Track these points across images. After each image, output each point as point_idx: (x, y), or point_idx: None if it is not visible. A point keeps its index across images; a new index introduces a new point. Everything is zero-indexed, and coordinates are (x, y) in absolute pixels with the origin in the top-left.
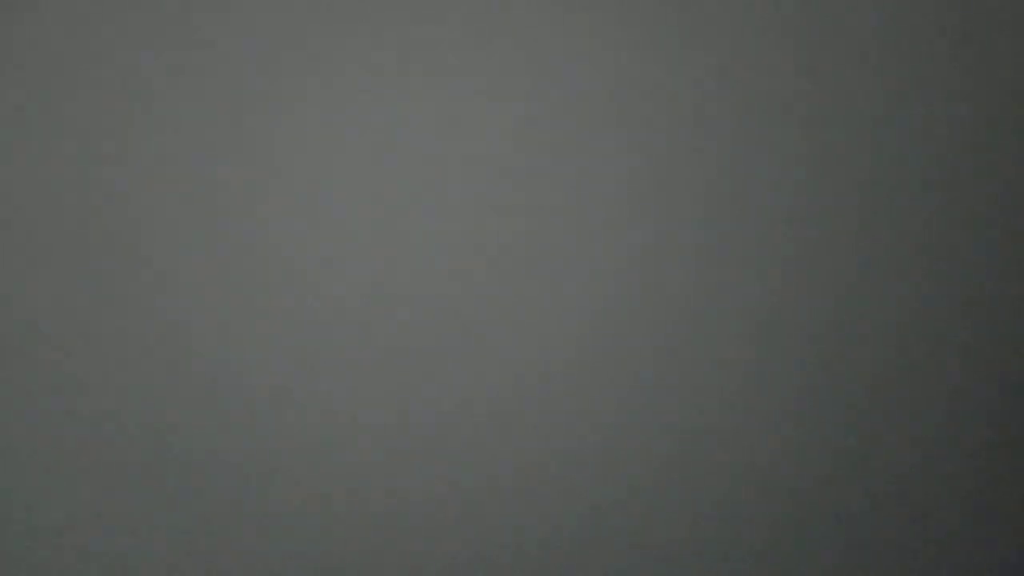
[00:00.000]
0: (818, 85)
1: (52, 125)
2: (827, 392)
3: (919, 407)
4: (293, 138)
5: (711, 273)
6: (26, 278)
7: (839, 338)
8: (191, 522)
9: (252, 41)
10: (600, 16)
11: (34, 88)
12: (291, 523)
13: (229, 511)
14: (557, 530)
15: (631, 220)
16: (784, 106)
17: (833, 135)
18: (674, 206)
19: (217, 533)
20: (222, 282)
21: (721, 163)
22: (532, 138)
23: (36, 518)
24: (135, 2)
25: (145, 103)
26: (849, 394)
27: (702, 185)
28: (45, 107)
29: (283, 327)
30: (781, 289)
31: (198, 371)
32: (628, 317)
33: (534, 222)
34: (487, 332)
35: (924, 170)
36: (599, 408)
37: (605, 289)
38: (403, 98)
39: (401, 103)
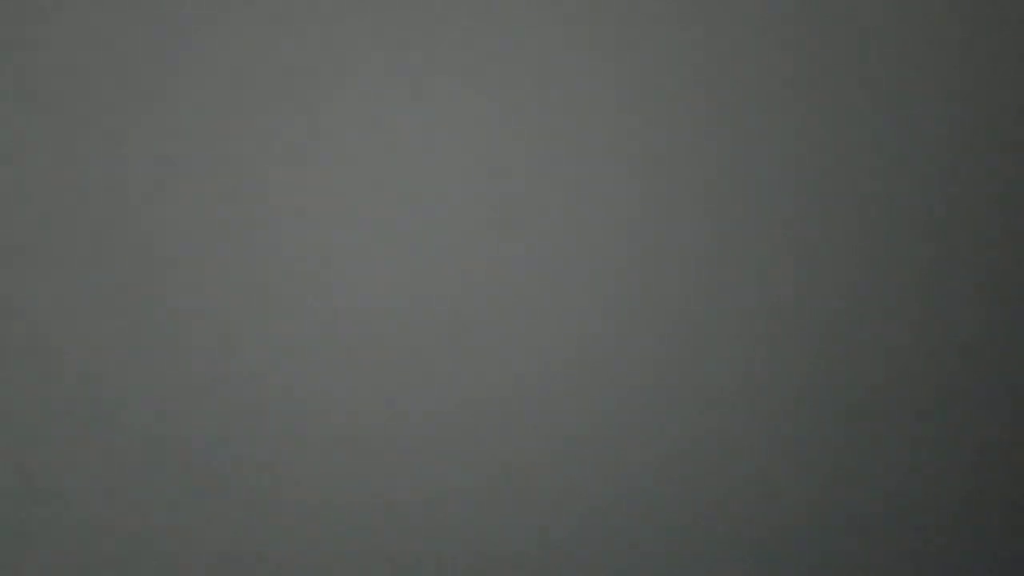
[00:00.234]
0: (818, 85)
1: (59, 125)
2: (827, 392)
3: (919, 407)
4: (299, 140)
5: (711, 273)
6: (34, 276)
7: (839, 338)
8: (195, 519)
9: (263, 45)
10: (600, 17)
11: (43, 87)
12: (292, 522)
13: (233, 509)
14: (557, 530)
15: (631, 220)
16: (784, 106)
17: (833, 135)
18: (674, 206)
19: (221, 531)
20: (224, 282)
21: (721, 163)
22: (533, 139)
23: (40, 516)
24: (144, 5)
25: (154, 103)
26: (849, 394)
27: (702, 185)
28: (54, 107)
29: (285, 326)
30: (781, 289)
31: (198, 371)
32: (629, 317)
33: (535, 223)
34: (488, 332)
35: (924, 170)
36: (599, 408)
37: (606, 289)
38: (405, 99)
39: (402, 104)
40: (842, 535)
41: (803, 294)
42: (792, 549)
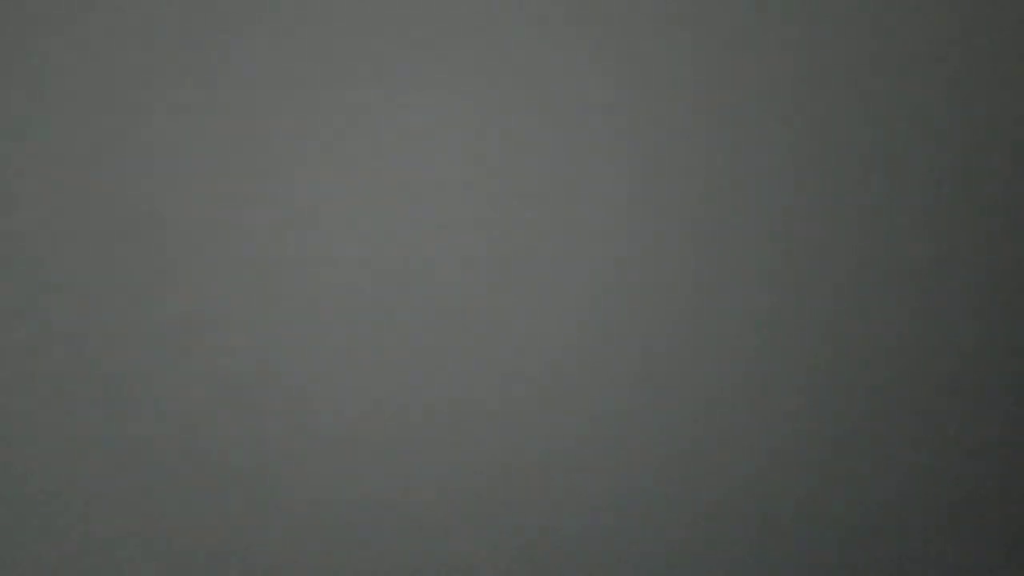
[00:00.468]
0: (818, 86)
1: (68, 126)
2: (827, 392)
3: (918, 408)
4: (299, 141)
5: (711, 273)
6: (36, 276)
7: (839, 338)
8: (195, 519)
9: (269, 49)
10: (600, 17)
11: (50, 88)
12: (292, 522)
13: (232, 508)
14: (557, 530)
15: (630, 219)
16: (783, 107)
17: (833, 135)
18: (674, 206)
19: (221, 530)
20: (223, 282)
21: (721, 163)
22: (532, 139)
23: (46, 515)
24: (154, 10)
25: (159, 105)
26: (849, 394)
27: (702, 185)
28: (61, 108)
29: (285, 326)
30: (780, 289)
31: (199, 370)
32: (628, 317)
33: (535, 222)
34: (487, 332)
35: (924, 170)
36: (599, 408)
37: (605, 289)
38: (404, 101)
39: (403, 105)
40: (842, 535)
41: (802, 295)
42: (792, 549)
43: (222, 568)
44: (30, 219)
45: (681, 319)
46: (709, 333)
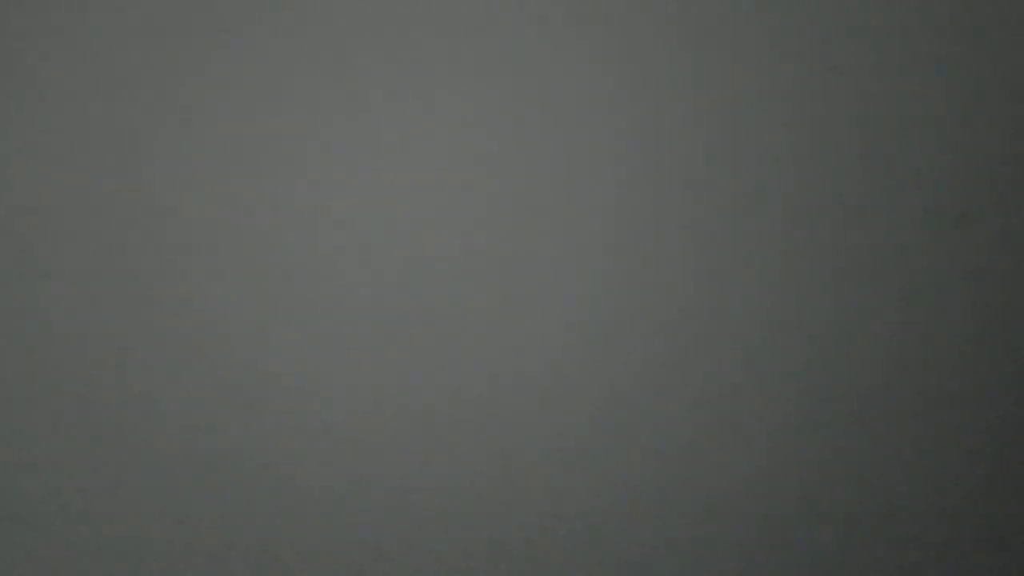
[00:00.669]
0: (818, 86)
1: (68, 126)
2: (827, 392)
3: (918, 408)
4: (300, 142)
5: (711, 273)
6: (38, 276)
7: (839, 338)
8: (195, 518)
9: (270, 49)
10: (600, 17)
11: (53, 89)
12: (291, 521)
13: (232, 507)
14: (557, 529)
15: (630, 220)
16: (783, 107)
17: (833, 135)
18: (674, 206)
19: (221, 529)
20: (224, 282)
21: (722, 162)
22: (533, 139)
23: (46, 515)
24: (154, 10)
25: (163, 106)
26: (848, 394)
27: (701, 186)
28: (65, 108)
29: (285, 326)
30: (780, 290)
31: (199, 370)
32: (627, 316)
33: (535, 223)
34: (487, 332)
35: (924, 170)
36: (599, 407)
37: (605, 289)
38: (406, 100)
39: (404, 105)
40: (842, 535)
41: (803, 293)
42: (792, 549)
43: (222, 568)
44: (30, 219)
45: (681, 319)
46: (709, 333)
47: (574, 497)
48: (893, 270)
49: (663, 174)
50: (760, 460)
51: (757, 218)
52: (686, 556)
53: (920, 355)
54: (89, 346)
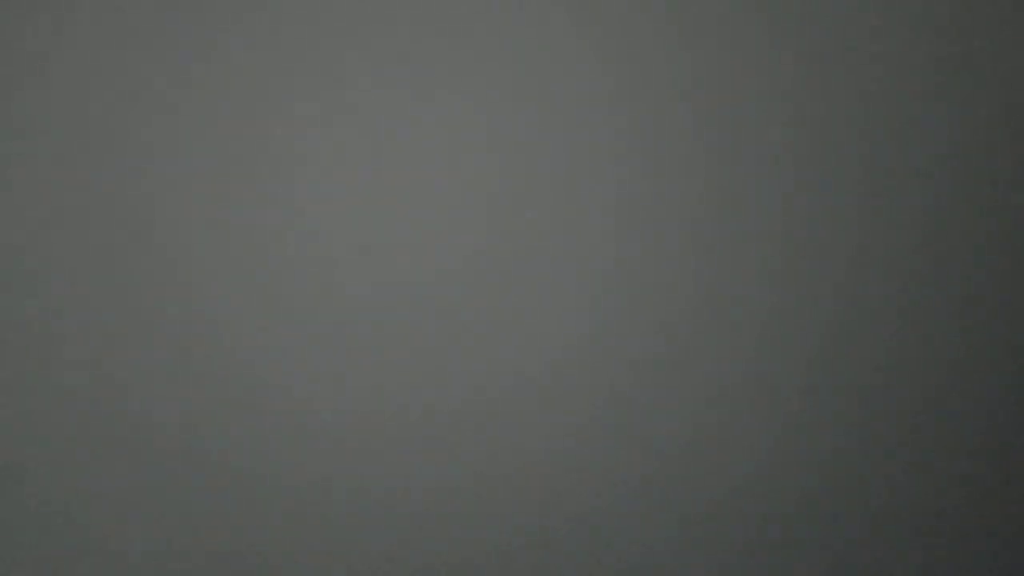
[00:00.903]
0: (817, 86)
1: (68, 126)
2: (827, 392)
3: (918, 408)
4: (300, 142)
5: (711, 273)
6: (38, 276)
7: (839, 338)
8: (195, 518)
9: (269, 49)
10: (600, 17)
11: (56, 90)
12: (291, 521)
13: (232, 508)
14: (557, 530)
15: (630, 220)
16: (783, 107)
17: (832, 135)
18: (673, 207)
19: (220, 530)
20: (223, 282)
21: (722, 162)
22: (533, 139)
23: (46, 515)
24: (153, 10)
25: (161, 105)
26: (849, 394)
27: (702, 186)
28: (65, 108)
29: (285, 326)
30: (780, 290)
31: (199, 370)
32: (627, 316)
33: (535, 223)
34: (487, 332)
35: (924, 170)
36: (599, 407)
37: (605, 289)
38: (406, 100)
39: (404, 105)
40: (842, 535)
41: (803, 293)
42: (792, 549)
43: (222, 568)
44: (30, 219)
45: (681, 319)
46: (709, 333)
47: (574, 497)
48: (893, 270)
49: (663, 174)
50: (760, 460)
51: (757, 218)
52: (686, 556)
53: (920, 355)
54: (88, 346)
